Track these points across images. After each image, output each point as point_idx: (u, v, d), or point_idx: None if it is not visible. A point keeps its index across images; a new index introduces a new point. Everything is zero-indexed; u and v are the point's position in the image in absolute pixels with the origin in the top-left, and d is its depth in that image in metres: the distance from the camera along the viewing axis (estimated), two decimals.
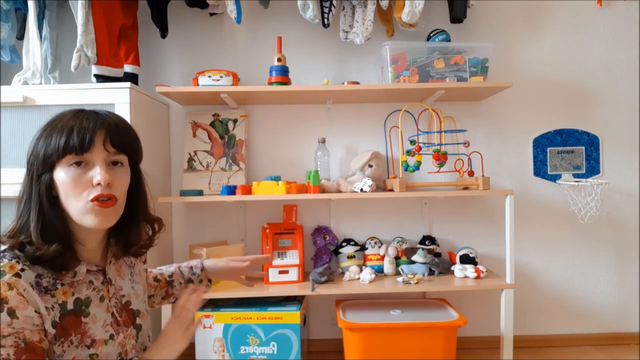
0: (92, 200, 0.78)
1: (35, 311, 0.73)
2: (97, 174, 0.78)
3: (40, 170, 0.78)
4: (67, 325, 0.77)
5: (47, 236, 0.77)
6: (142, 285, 0.98)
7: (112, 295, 0.87)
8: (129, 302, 0.91)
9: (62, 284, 0.79)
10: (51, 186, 0.79)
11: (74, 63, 1.63)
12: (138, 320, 0.92)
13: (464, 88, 1.81)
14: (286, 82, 1.83)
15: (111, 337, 0.84)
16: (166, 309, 1.73)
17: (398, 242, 2.01)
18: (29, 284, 0.74)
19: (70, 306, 0.79)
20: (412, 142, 1.78)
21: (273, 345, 1.72)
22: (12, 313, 0.70)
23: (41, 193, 0.78)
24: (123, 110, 1.63)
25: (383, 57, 1.86)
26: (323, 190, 1.84)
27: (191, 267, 1.14)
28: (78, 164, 0.78)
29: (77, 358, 0.78)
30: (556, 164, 2.11)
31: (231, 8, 1.82)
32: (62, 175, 0.78)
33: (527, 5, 2.10)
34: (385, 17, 2.00)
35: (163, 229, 0.97)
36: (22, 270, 0.74)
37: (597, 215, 2.01)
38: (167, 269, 1.15)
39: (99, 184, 0.78)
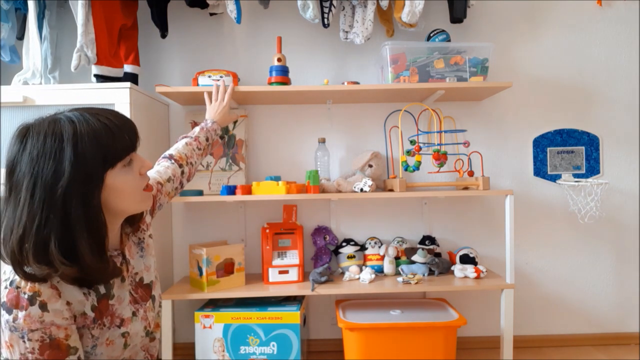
0: (145, 190, 0.84)
1: (68, 302, 0.75)
2: (145, 165, 0.84)
3: (87, 191, 0.74)
4: (102, 308, 0.80)
5: (99, 254, 0.77)
6: (150, 256, 0.99)
7: (129, 274, 0.90)
8: (142, 278, 0.94)
9: None
10: (99, 205, 0.77)
11: (74, 63, 1.63)
12: (153, 292, 0.96)
13: (464, 88, 1.81)
14: (286, 82, 1.83)
15: (134, 314, 0.87)
16: (166, 305, 1.74)
17: (398, 242, 2.01)
18: None
19: (103, 290, 0.82)
20: (412, 142, 1.78)
21: (273, 345, 1.72)
22: (43, 306, 0.72)
23: (93, 209, 0.75)
24: (123, 110, 1.63)
25: (383, 57, 1.85)
26: (323, 190, 1.84)
27: (215, 130, 1.44)
28: (130, 161, 0.81)
29: (110, 338, 0.81)
30: (556, 164, 2.11)
31: (231, 8, 1.82)
32: (120, 176, 0.78)
33: (527, 5, 2.10)
34: (385, 17, 2.00)
35: None
36: None
37: (597, 215, 2.01)
38: (200, 136, 1.36)
39: (145, 172, 0.84)
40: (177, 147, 1.25)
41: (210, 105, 1.58)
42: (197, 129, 1.39)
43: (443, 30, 1.92)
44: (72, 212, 0.72)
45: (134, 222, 0.93)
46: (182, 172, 1.20)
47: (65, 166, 0.71)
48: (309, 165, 2.09)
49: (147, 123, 1.83)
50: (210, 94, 1.60)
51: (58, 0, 1.87)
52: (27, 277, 0.71)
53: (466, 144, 1.78)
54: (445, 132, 1.84)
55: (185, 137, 1.33)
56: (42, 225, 0.70)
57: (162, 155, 1.21)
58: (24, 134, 0.74)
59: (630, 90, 2.12)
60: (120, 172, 0.78)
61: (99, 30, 1.68)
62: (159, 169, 1.15)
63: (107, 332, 0.81)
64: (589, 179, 2.07)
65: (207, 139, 1.38)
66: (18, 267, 0.71)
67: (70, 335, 0.75)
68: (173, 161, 1.19)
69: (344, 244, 2.00)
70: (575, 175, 2.10)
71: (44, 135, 0.72)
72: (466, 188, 1.86)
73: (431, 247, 1.98)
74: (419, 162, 1.73)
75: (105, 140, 0.75)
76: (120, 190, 0.79)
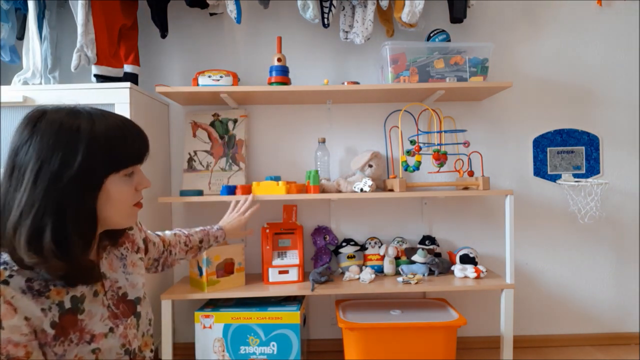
0: (135, 205, 0.85)
1: (26, 317, 0.70)
2: (144, 182, 0.85)
3: (87, 188, 0.75)
4: (66, 324, 0.76)
5: (87, 252, 0.78)
6: (137, 275, 0.97)
7: (108, 288, 0.87)
8: (126, 293, 0.91)
9: (55, 285, 0.76)
10: (95, 205, 0.77)
11: (74, 63, 1.63)
12: (138, 309, 0.93)
13: (464, 88, 1.81)
14: (286, 82, 1.83)
15: (111, 330, 0.83)
16: (166, 305, 1.74)
17: (398, 242, 2.01)
18: (20, 290, 0.71)
19: (68, 305, 0.77)
20: (412, 142, 1.78)
21: (273, 345, 1.72)
22: None
23: (89, 209, 0.76)
24: (123, 110, 1.63)
25: (383, 57, 1.85)
26: (323, 190, 1.84)
27: (216, 237, 1.39)
28: (131, 173, 0.82)
29: (79, 355, 0.77)
30: (556, 164, 2.11)
31: (231, 8, 1.82)
32: (118, 184, 0.79)
33: (527, 5, 2.10)
34: (385, 17, 2.00)
35: None
36: (10, 276, 0.71)
37: (597, 215, 2.01)
38: (194, 235, 1.31)
39: (141, 189, 0.85)
40: (165, 232, 1.23)
41: (230, 213, 1.55)
42: (198, 227, 1.35)
43: (443, 30, 1.92)
44: (70, 206, 0.72)
45: (114, 237, 0.92)
46: (163, 252, 1.18)
47: (75, 159, 0.72)
48: (309, 165, 2.09)
49: (147, 123, 1.83)
50: (237, 202, 1.60)
51: (58, 0, 1.87)
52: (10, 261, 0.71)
53: (466, 144, 1.78)
54: (445, 132, 1.84)
55: (180, 230, 1.30)
56: (40, 212, 0.70)
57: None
58: (38, 117, 0.73)
59: (630, 90, 2.12)
60: (119, 180, 0.79)
61: (99, 30, 1.68)
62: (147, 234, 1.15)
63: (75, 348, 0.76)
64: (589, 179, 2.07)
65: (200, 241, 1.32)
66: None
67: (31, 352, 0.70)
68: (159, 238, 1.17)
69: (344, 244, 2.00)
70: (575, 175, 2.10)
71: (60, 124, 0.73)
72: (466, 188, 1.86)
73: (431, 247, 1.98)
74: (419, 162, 1.73)
75: (118, 144, 0.77)
76: (113, 197, 0.78)
